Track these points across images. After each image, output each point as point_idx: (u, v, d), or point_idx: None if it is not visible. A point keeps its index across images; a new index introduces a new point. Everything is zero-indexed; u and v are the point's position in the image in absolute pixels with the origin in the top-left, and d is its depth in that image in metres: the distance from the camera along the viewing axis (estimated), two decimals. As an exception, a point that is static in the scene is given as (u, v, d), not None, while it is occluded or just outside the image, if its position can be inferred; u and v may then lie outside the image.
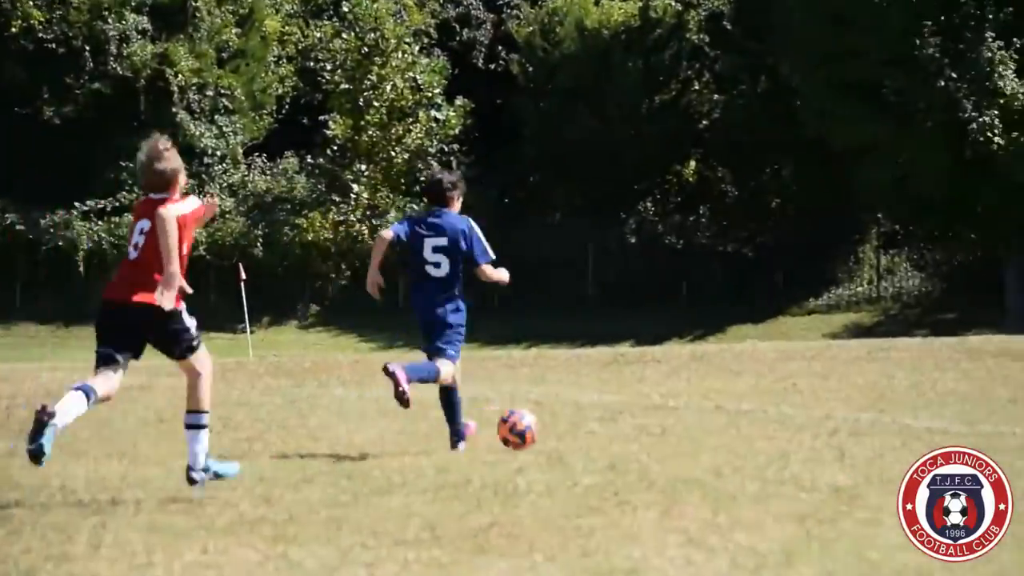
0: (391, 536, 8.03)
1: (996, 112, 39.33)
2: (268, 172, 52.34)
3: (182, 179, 9.70)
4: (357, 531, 8.20)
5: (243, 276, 33.37)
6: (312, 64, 52.44)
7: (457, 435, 12.24)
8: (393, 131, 50.09)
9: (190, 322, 9.67)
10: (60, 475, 10.39)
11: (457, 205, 12.68)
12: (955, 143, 39.98)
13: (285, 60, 53.99)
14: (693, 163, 54.02)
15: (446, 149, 51.65)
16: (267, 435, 13.34)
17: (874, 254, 50.79)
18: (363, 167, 49.87)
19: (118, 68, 49.57)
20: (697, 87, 53.52)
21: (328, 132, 50.57)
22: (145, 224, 9.57)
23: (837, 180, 46.89)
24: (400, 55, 50.25)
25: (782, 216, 52.92)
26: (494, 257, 12.43)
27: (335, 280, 49.57)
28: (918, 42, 39.70)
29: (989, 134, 39.28)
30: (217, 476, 9.72)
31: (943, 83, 39.58)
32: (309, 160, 51.59)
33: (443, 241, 12.29)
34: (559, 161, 51.16)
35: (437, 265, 12.29)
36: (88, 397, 9.32)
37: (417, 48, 51.33)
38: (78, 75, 49.62)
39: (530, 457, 11.17)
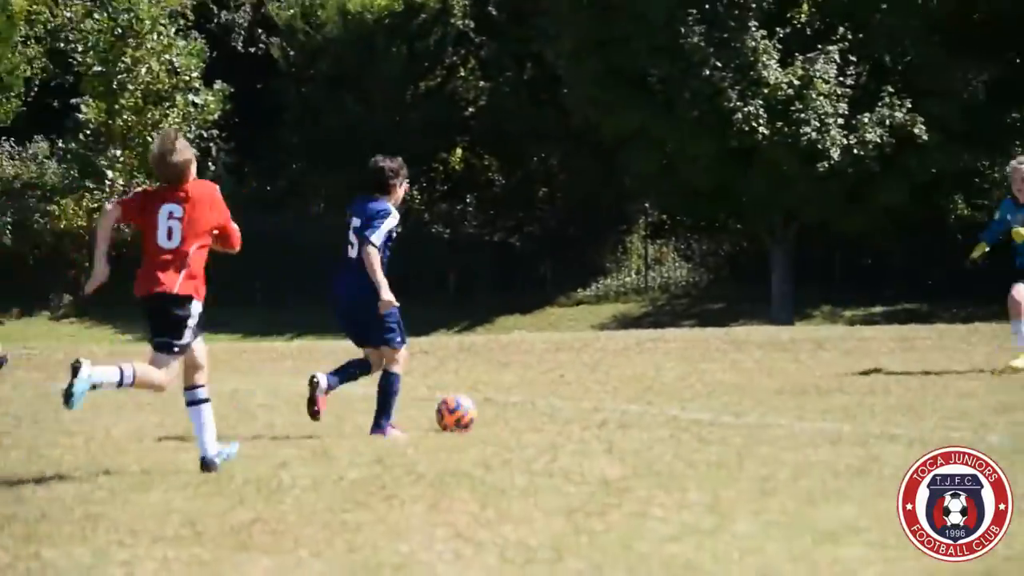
0: (149, 533, 7.75)
1: (760, 102, 40.09)
2: (16, 157, 51.02)
3: (193, 169, 10.08)
4: (114, 529, 7.90)
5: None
6: (62, 45, 51.03)
7: (378, 426, 12.29)
8: (149, 115, 49.04)
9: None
10: None
11: (399, 193, 12.68)
12: (721, 132, 40.65)
13: (33, 40, 52.42)
14: (460, 151, 54.06)
15: (205, 135, 50.82)
16: (18, 431, 12.91)
17: (642, 244, 51.38)
18: (118, 152, 48.77)
19: None
20: (463, 74, 53.55)
21: (80, 116, 49.34)
22: (176, 209, 9.92)
23: (605, 169, 47.36)
24: (155, 37, 49.19)
25: (550, 205, 53.31)
26: (377, 244, 12.27)
27: (90, 269, 48.36)
28: (683, 30, 40.26)
29: (754, 123, 40.02)
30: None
31: (708, 72, 40.21)
32: (61, 145, 50.31)
33: (357, 223, 12.44)
34: (322, 148, 50.72)
35: (352, 245, 12.43)
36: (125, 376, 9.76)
37: (173, 30, 50.26)
38: None
39: (294, 451, 10.95)
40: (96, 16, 49.31)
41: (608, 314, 47.21)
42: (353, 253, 12.37)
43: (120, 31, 48.80)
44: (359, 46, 51.04)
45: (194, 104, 49.94)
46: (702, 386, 16.14)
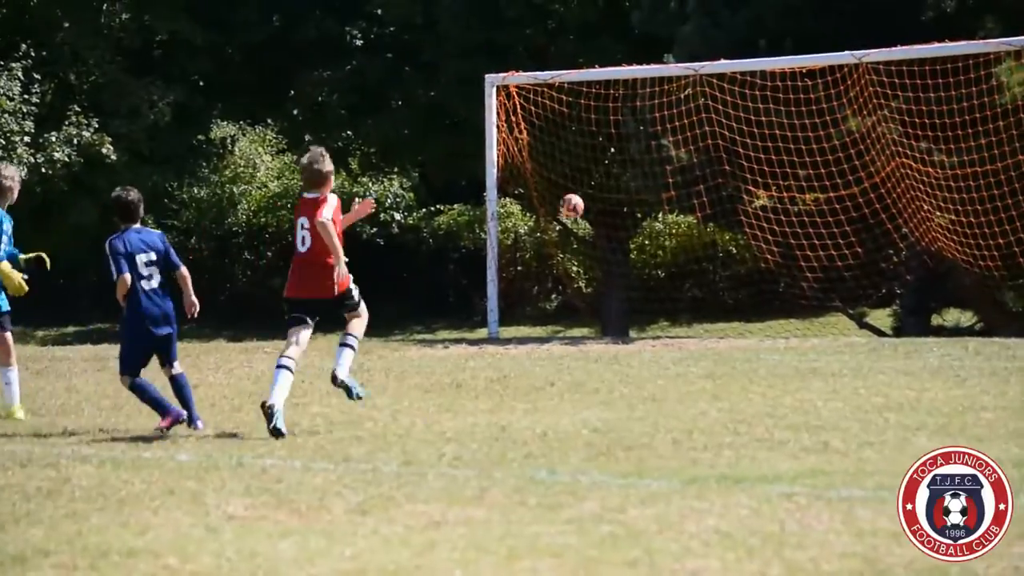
0: None
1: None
2: None
3: (332, 180, 12.47)
4: None
5: None
6: None
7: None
8: None
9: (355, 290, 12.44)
10: None
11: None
12: None
13: None
14: None
15: None
16: None
17: None
18: None
19: None
20: None
21: None
22: (305, 221, 12.26)
23: None
24: None
25: None
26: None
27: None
28: None
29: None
30: (348, 390, 12.42)
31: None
32: None
33: (154, 256, 13.03)
34: None
35: (150, 278, 13.01)
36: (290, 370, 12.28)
37: None
38: None
39: None
40: None
41: None
42: (152, 284, 13.13)
43: None
44: None
45: None
46: None
